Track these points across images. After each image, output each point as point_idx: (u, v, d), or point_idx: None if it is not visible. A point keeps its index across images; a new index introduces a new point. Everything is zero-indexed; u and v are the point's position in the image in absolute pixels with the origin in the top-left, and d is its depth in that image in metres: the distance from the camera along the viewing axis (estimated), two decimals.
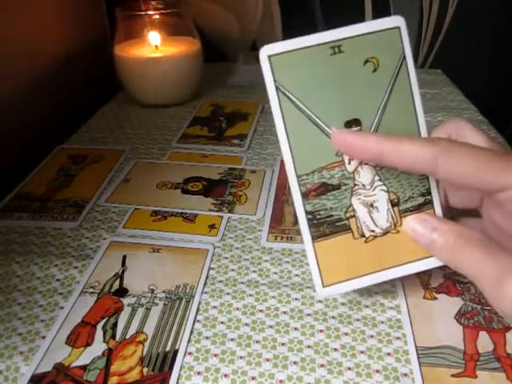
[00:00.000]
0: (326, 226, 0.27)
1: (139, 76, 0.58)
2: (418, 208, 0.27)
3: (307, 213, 0.27)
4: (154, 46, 0.59)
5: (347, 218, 0.27)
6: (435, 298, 0.30)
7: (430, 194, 0.27)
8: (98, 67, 0.67)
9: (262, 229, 0.37)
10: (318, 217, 0.27)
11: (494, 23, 0.73)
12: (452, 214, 0.28)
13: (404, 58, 0.26)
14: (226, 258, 0.35)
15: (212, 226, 0.38)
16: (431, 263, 0.27)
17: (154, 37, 0.59)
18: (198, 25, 0.63)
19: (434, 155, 0.23)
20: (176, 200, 0.41)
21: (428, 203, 0.27)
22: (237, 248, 0.36)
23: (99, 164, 0.47)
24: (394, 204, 0.27)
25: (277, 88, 0.25)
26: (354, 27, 0.25)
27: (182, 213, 0.39)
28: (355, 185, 0.27)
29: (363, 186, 0.27)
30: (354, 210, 0.27)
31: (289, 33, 0.77)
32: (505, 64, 0.76)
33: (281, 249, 0.35)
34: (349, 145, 0.25)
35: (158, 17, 0.58)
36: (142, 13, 0.58)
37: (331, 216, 0.27)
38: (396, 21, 0.26)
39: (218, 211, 0.40)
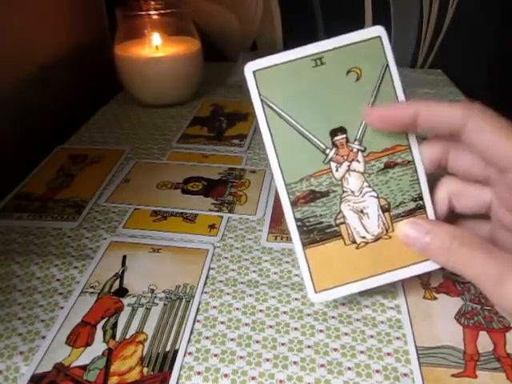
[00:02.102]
0: (316, 233, 0.27)
1: (139, 76, 0.58)
2: (410, 213, 0.27)
3: (297, 220, 0.27)
4: (154, 46, 0.59)
5: (337, 225, 0.27)
6: (435, 298, 0.30)
7: (421, 198, 0.27)
8: (98, 67, 0.67)
9: (262, 229, 0.37)
10: (308, 224, 0.27)
11: (494, 23, 0.73)
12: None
13: (387, 66, 0.27)
14: (225, 258, 0.35)
15: (212, 226, 0.38)
16: (425, 267, 0.27)
17: (154, 37, 0.59)
18: (198, 25, 0.63)
19: (463, 115, 0.24)
20: (176, 200, 0.41)
21: (420, 208, 0.27)
22: (237, 248, 0.36)
23: (99, 164, 0.47)
24: (384, 210, 0.27)
25: (262, 101, 0.26)
26: (334, 39, 0.26)
27: (181, 213, 0.39)
28: (344, 192, 0.27)
29: (352, 192, 0.27)
30: (344, 216, 0.27)
31: (289, 33, 0.77)
32: (505, 64, 0.76)
33: (281, 249, 0.35)
34: (383, 116, 0.26)
35: (157, 17, 0.58)
36: (142, 13, 0.58)
37: (321, 223, 0.27)
38: (376, 31, 0.27)
39: (218, 211, 0.39)
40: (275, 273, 0.33)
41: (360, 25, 0.73)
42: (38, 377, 0.26)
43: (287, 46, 0.78)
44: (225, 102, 0.62)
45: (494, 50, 0.75)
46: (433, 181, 0.28)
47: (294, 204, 0.27)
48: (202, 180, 0.44)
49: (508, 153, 0.23)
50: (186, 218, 0.39)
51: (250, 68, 0.26)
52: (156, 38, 0.59)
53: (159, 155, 0.49)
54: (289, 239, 0.36)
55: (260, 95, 0.26)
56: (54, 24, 0.59)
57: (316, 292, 0.27)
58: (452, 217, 0.28)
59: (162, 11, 0.58)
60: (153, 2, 0.59)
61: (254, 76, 0.26)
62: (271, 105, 0.26)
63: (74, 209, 0.40)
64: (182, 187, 0.43)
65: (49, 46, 0.58)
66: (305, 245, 0.27)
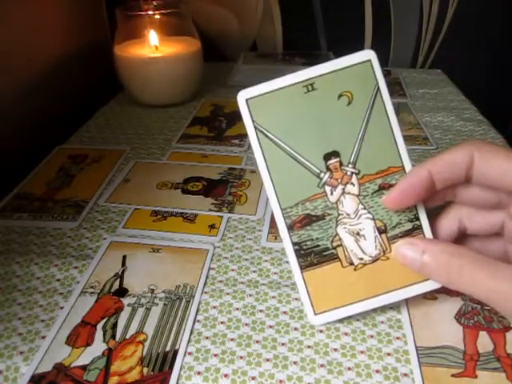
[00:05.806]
0: (314, 256, 0.28)
1: (139, 76, 0.58)
2: (407, 234, 0.27)
3: (294, 244, 0.28)
4: (153, 46, 0.59)
5: (334, 248, 0.28)
6: (435, 298, 0.30)
7: (418, 219, 0.27)
8: (98, 67, 0.67)
9: (262, 229, 0.37)
10: (305, 247, 0.28)
11: (494, 23, 0.73)
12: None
13: (378, 89, 0.27)
14: (225, 258, 0.35)
15: (212, 226, 0.38)
16: (425, 287, 0.27)
17: (153, 37, 0.59)
18: (197, 25, 0.63)
19: (469, 153, 0.24)
20: (176, 200, 0.41)
21: (417, 228, 0.27)
22: (237, 248, 0.36)
23: (99, 164, 0.47)
24: (381, 231, 0.28)
25: (255, 128, 0.27)
26: (325, 65, 0.27)
27: (181, 213, 0.39)
28: (339, 214, 0.27)
29: (347, 215, 0.27)
30: (340, 239, 0.28)
31: (289, 33, 0.77)
32: (505, 64, 0.76)
33: (281, 249, 0.35)
34: (402, 190, 0.26)
35: (158, 17, 0.58)
36: (142, 13, 0.58)
37: (318, 246, 0.28)
38: (366, 55, 0.27)
39: (218, 211, 0.39)
40: (275, 273, 0.33)
41: (360, 25, 0.73)
42: (38, 377, 0.26)
43: (287, 46, 0.78)
44: (225, 102, 0.62)
45: (494, 50, 0.75)
46: (443, 204, 0.28)
47: (290, 228, 0.27)
48: (202, 180, 0.44)
49: None
50: (185, 218, 0.39)
51: (242, 96, 0.27)
52: (156, 37, 0.59)
53: (159, 155, 0.49)
54: None
55: (254, 122, 0.27)
56: (53, 24, 0.59)
57: (315, 314, 0.28)
58: (463, 235, 0.28)
59: (161, 11, 0.58)
60: (153, 2, 0.59)
61: (247, 104, 0.27)
62: (265, 132, 0.27)
63: (74, 209, 0.40)
64: (181, 187, 0.43)
65: (49, 46, 0.58)
66: (303, 268, 0.28)
